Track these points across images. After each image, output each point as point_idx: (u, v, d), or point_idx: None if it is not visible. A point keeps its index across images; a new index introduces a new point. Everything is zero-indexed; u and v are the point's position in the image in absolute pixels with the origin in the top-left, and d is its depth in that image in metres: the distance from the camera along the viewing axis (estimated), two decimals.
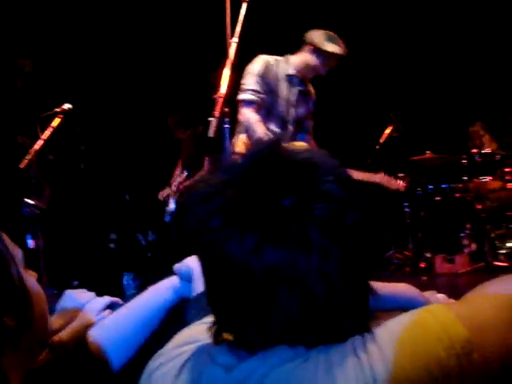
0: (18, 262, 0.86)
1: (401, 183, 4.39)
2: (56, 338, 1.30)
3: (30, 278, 0.87)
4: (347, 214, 0.71)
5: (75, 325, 1.44)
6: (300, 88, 3.45)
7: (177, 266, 1.32)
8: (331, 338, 0.73)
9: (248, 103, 3.28)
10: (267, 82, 3.33)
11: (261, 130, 3.20)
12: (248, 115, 3.25)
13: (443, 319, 0.72)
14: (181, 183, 5.11)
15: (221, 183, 0.74)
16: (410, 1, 5.48)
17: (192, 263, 1.26)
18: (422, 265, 4.88)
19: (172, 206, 5.11)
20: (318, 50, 3.30)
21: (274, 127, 3.37)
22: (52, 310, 1.20)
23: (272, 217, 0.69)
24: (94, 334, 1.26)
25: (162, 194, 5.30)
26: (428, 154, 5.08)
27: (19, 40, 5.53)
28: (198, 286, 1.20)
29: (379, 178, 3.93)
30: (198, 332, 0.85)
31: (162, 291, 1.33)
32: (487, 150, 4.93)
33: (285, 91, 3.41)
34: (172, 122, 5.43)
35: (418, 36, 5.57)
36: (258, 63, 3.33)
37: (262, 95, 3.32)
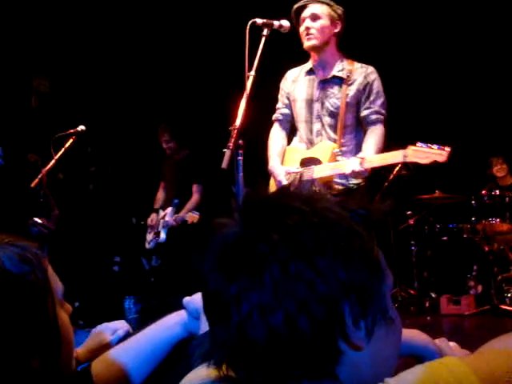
0: (57, 296, 0.84)
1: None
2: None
3: (64, 316, 0.85)
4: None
5: (90, 343, 1.45)
6: (321, 78, 3.23)
7: (186, 301, 1.32)
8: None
9: (274, 121, 3.45)
10: (288, 93, 3.38)
11: (271, 147, 3.34)
12: (271, 133, 3.42)
13: (458, 373, 0.72)
14: (163, 218, 5.03)
15: (231, 221, 0.77)
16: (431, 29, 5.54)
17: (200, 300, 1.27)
18: (427, 304, 4.84)
19: (163, 235, 5.03)
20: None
21: (304, 133, 3.29)
22: None
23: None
24: (112, 355, 1.29)
25: (150, 221, 5.17)
26: (437, 193, 5.09)
27: (35, 59, 5.61)
28: (205, 325, 1.19)
29: None
30: (208, 374, 0.85)
31: (170, 326, 1.32)
32: (497, 192, 4.93)
33: (304, 90, 3.29)
34: (165, 131, 5.15)
35: (431, 72, 5.62)
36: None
37: (284, 110, 3.41)
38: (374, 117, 3.17)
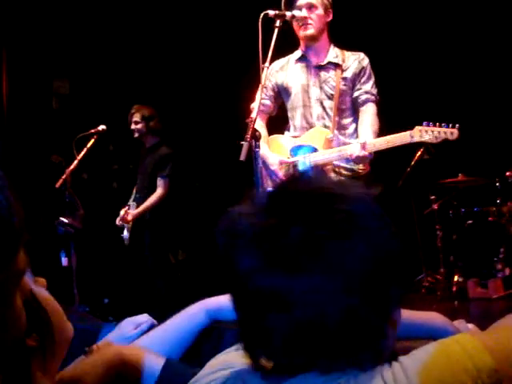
0: (27, 276, 0.85)
1: None
2: (94, 347, 1.34)
3: (41, 291, 0.86)
4: (360, 245, 0.74)
5: (113, 336, 1.49)
6: (315, 64, 3.28)
7: (212, 309, 1.36)
8: (354, 364, 0.75)
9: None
10: (274, 84, 3.37)
11: None
12: None
13: (470, 349, 0.73)
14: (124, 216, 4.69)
15: (255, 209, 0.79)
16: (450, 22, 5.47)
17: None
18: (454, 289, 4.81)
19: (125, 233, 4.73)
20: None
21: (298, 121, 3.29)
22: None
23: (279, 243, 0.74)
24: (140, 345, 1.32)
25: (119, 216, 4.79)
26: (460, 176, 5.04)
27: (55, 62, 5.69)
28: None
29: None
30: (232, 358, 0.87)
31: (194, 314, 1.35)
32: None
33: (299, 77, 3.30)
34: (137, 111, 4.76)
35: (448, 55, 5.55)
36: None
37: (265, 101, 3.37)
38: (363, 97, 3.25)
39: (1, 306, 0.64)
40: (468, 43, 5.44)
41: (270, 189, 0.85)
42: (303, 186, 0.80)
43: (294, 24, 3.17)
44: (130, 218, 4.63)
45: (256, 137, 2.40)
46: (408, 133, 2.94)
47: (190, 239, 5.85)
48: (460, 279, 4.85)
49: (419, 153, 5.06)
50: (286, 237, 0.73)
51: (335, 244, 0.73)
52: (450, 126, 2.89)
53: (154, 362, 1.13)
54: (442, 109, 5.13)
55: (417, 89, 5.51)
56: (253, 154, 2.39)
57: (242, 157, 2.33)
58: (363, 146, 2.97)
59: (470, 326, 1.16)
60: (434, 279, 5.18)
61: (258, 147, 2.40)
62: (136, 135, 4.79)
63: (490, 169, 5.21)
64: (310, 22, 3.16)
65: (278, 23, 2.70)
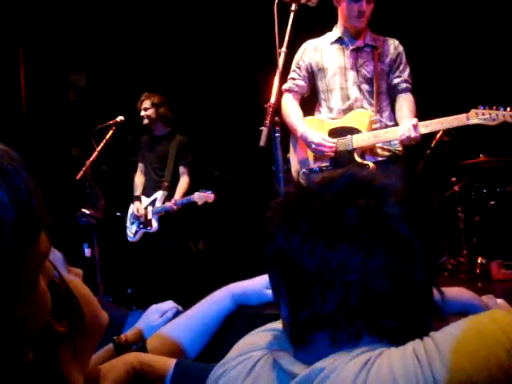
0: (59, 265, 0.86)
1: None
2: (122, 336, 1.35)
3: (74, 279, 0.87)
4: (403, 226, 0.79)
5: (139, 324, 1.50)
6: (352, 47, 3.27)
7: (237, 294, 1.38)
8: (391, 340, 0.77)
9: (285, 91, 3.38)
10: (309, 64, 3.36)
11: (292, 114, 3.28)
12: (284, 102, 3.33)
13: (502, 323, 0.73)
14: (151, 204, 4.80)
15: (309, 193, 0.83)
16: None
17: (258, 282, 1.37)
18: (478, 271, 4.77)
19: (155, 224, 4.82)
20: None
21: (336, 103, 3.28)
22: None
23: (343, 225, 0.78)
24: (165, 332, 1.35)
25: (136, 210, 4.89)
26: (481, 157, 4.98)
27: (72, 55, 5.72)
28: None
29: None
30: (260, 339, 0.88)
31: (219, 300, 1.36)
32: None
33: (335, 59, 3.29)
34: (148, 98, 4.82)
35: (467, 42, 5.47)
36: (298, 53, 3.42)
37: (299, 82, 3.39)
38: (404, 85, 3.28)
39: (26, 289, 0.65)
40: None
41: (314, 167, 0.94)
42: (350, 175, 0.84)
43: (342, 7, 3.19)
44: (176, 207, 4.69)
45: (275, 122, 2.39)
46: (464, 115, 2.96)
47: (210, 229, 5.88)
48: (483, 261, 4.80)
49: (439, 135, 5.02)
50: (345, 216, 0.78)
51: (385, 224, 0.78)
52: (508, 109, 2.91)
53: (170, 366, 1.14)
54: (463, 87, 5.08)
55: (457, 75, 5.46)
56: (273, 139, 2.39)
57: (262, 142, 2.32)
58: (415, 127, 2.96)
59: (500, 301, 1.15)
60: (456, 261, 5.13)
61: (278, 132, 2.40)
62: (145, 122, 4.82)
63: (511, 149, 5.14)
64: (366, 15, 3.18)
65: (293, 7, 2.68)
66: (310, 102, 3.46)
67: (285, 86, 3.35)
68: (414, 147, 4.99)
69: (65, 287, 0.80)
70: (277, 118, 2.39)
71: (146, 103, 4.79)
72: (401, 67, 3.28)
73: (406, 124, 3.02)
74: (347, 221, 0.77)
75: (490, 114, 2.90)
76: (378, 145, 3.20)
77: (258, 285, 1.37)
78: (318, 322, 0.78)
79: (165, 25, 5.81)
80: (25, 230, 0.62)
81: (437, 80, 5.37)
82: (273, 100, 2.43)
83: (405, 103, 3.23)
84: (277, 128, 2.39)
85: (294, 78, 3.39)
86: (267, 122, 2.38)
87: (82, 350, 0.83)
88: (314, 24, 3.30)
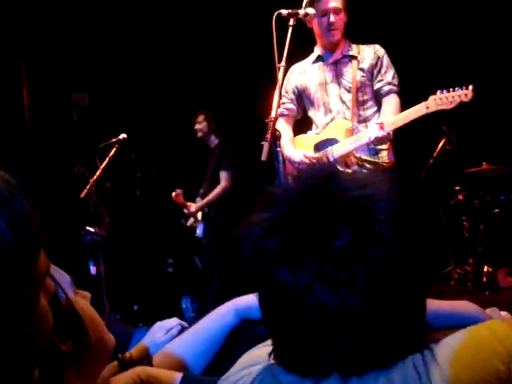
0: (66, 286, 0.87)
1: None
2: (127, 354, 1.36)
3: (81, 301, 0.88)
4: (396, 254, 0.72)
5: (145, 342, 1.51)
6: (331, 61, 3.27)
7: (242, 309, 1.36)
8: (387, 364, 0.74)
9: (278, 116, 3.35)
10: (295, 87, 3.39)
11: (283, 136, 3.15)
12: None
13: (500, 333, 0.73)
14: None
15: (273, 224, 0.76)
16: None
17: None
18: (484, 279, 4.75)
19: (199, 231, 5.10)
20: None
21: (320, 119, 3.29)
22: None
23: (321, 259, 0.71)
24: (170, 349, 1.34)
25: (190, 223, 5.24)
26: (484, 165, 4.98)
27: (74, 73, 5.76)
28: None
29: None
30: (261, 354, 0.88)
31: (223, 314, 1.36)
32: None
33: (316, 76, 3.30)
34: (201, 113, 5.20)
35: (469, 43, 5.49)
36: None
37: (289, 105, 3.41)
38: (386, 88, 3.23)
39: (27, 307, 0.66)
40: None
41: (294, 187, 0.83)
42: (333, 190, 0.77)
43: (314, 24, 3.17)
44: (193, 209, 5.02)
45: (276, 136, 2.40)
46: (423, 104, 2.91)
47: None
48: (489, 269, 4.78)
49: (441, 144, 5.03)
50: (333, 252, 0.72)
51: (376, 255, 0.72)
52: (464, 87, 2.85)
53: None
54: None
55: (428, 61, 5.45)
56: (274, 153, 2.40)
57: (264, 157, 2.33)
58: (381, 127, 2.94)
59: (503, 313, 1.15)
60: (462, 271, 5.12)
61: (279, 146, 2.41)
62: (199, 135, 5.21)
63: None
64: (336, 27, 3.17)
65: (291, 22, 2.70)
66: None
67: (278, 112, 3.37)
68: (416, 157, 5.03)
69: (70, 308, 0.81)
70: (277, 133, 2.41)
71: (200, 118, 5.19)
72: (382, 70, 3.23)
73: (373, 126, 3.02)
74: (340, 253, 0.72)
75: (446, 97, 2.84)
76: (363, 157, 3.18)
77: None
78: (324, 366, 0.75)
79: (166, 43, 5.86)
80: (24, 253, 0.63)
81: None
82: (273, 114, 2.45)
83: (386, 106, 3.20)
84: (278, 142, 2.41)
85: (284, 103, 3.40)
86: (268, 136, 2.39)
87: (87, 370, 0.83)
88: (312, 38, 3.32)
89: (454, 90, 2.83)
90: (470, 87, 2.83)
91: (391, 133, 2.98)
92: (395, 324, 0.74)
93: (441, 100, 2.85)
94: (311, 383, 0.75)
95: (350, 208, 0.74)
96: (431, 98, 2.87)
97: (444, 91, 2.86)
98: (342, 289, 0.71)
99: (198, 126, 5.20)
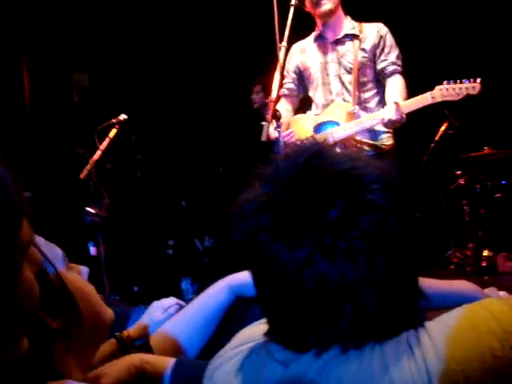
0: (57, 261, 0.86)
1: None
2: (125, 333, 1.36)
3: (73, 275, 0.86)
4: (391, 222, 0.73)
5: (142, 322, 1.51)
6: (332, 40, 3.23)
7: (235, 285, 1.36)
8: (383, 337, 0.74)
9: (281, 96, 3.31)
10: (295, 66, 3.36)
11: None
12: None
13: (495, 311, 0.73)
14: None
15: (267, 199, 0.76)
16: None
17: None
18: (484, 264, 4.75)
19: None
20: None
21: (320, 99, 3.26)
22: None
23: (319, 230, 0.71)
24: (167, 329, 1.34)
25: None
26: (486, 149, 4.96)
27: (74, 54, 5.72)
28: None
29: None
30: (255, 332, 0.87)
31: (216, 293, 1.36)
32: None
33: (317, 55, 3.27)
34: (258, 82, 5.02)
35: (473, 28, 5.44)
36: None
37: (289, 85, 3.38)
38: (391, 68, 3.15)
39: (10, 278, 0.65)
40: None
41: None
42: (325, 163, 0.77)
43: (308, 4, 3.11)
44: None
45: (277, 117, 2.39)
46: (428, 94, 2.88)
47: (215, 226, 5.88)
48: (489, 254, 4.79)
49: (443, 128, 5.00)
50: (329, 221, 0.71)
51: (372, 222, 0.72)
52: (472, 80, 2.82)
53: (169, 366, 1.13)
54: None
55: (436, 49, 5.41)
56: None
57: (264, 137, 2.33)
58: (397, 107, 2.88)
59: (502, 293, 1.15)
60: (462, 255, 5.12)
61: (279, 127, 2.40)
62: (255, 106, 5.09)
63: None
64: None
65: (293, 1, 2.68)
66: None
67: (280, 92, 3.34)
68: (418, 141, 5.00)
69: (60, 283, 0.80)
70: (278, 113, 2.40)
71: (257, 87, 5.05)
72: (386, 50, 3.16)
73: (387, 107, 2.96)
74: (331, 224, 0.71)
75: (453, 89, 2.81)
76: (363, 140, 3.14)
77: None
78: (325, 340, 0.75)
79: (166, 22, 5.81)
80: (4, 224, 0.62)
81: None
82: (274, 95, 2.44)
83: (393, 87, 3.12)
84: (278, 123, 2.40)
85: (285, 83, 3.38)
86: (268, 116, 2.38)
87: (80, 347, 0.82)
88: (314, 18, 3.29)
89: (461, 82, 2.81)
90: (478, 80, 2.81)
91: (405, 116, 2.94)
92: (393, 296, 0.74)
93: (447, 91, 2.83)
94: (311, 357, 0.75)
95: (342, 179, 0.74)
96: (437, 88, 2.84)
97: (451, 82, 2.83)
98: (341, 259, 0.71)
99: (254, 97, 5.07)
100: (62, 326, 0.77)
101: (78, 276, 0.89)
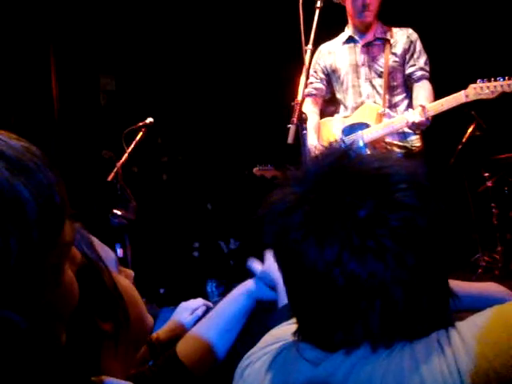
0: (111, 265, 0.88)
1: None
2: (154, 335, 1.38)
3: (124, 280, 0.89)
4: (420, 221, 0.73)
5: (171, 324, 1.52)
6: (363, 43, 3.24)
7: (261, 271, 1.36)
8: (413, 336, 0.74)
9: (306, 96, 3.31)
10: (324, 66, 3.36)
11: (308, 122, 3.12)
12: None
13: None
14: None
15: (297, 198, 0.77)
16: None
17: (276, 271, 1.29)
18: None
19: None
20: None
21: (349, 101, 3.26)
22: None
23: (349, 229, 0.72)
24: (197, 330, 1.35)
25: None
26: None
27: (101, 59, 5.79)
28: (283, 297, 1.22)
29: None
30: (284, 332, 0.88)
31: (236, 298, 1.37)
32: None
33: (347, 58, 3.27)
34: None
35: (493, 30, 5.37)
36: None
37: (317, 85, 3.38)
38: (419, 73, 3.18)
39: (52, 276, 0.67)
40: None
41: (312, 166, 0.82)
42: (353, 164, 0.78)
43: (347, 3, 3.14)
44: None
45: (302, 119, 2.39)
46: (462, 92, 2.86)
47: (240, 228, 5.90)
48: None
49: (471, 129, 4.95)
50: (358, 220, 0.72)
51: (400, 220, 0.72)
52: (507, 78, 2.79)
53: None
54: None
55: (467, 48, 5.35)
56: (300, 136, 2.39)
57: (290, 140, 2.33)
58: (423, 111, 2.88)
59: None
60: (490, 258, 5.05)
61: (306, 129, 2.40)
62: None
63: None
64: (371, 9, 3.14)
65: (318, 4, 2.68)
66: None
67: (305, 92, 3.34)
68: (445, 142, 4.95)
69: (113, 287, 0.83)
70: (304, 115, 2.40)
71: None
72: (415, 55, 3.19)
73: (412, 110, 2.96)
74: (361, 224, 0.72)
75: (487, 87, 2.78)
76: (393, 141, 3.15)
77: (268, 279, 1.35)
78: (354, 338, 0.75)
79: (192, 26, 5.85)
80: (49, 223, 0.65)
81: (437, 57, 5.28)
82: (300, 97, 2.44)
83: (420, 92, 3.15)
84: (304, 125, 2.40)
85: (312, 82, 3.40)
86: (294, 119, 2.38)
87: (125, 351, 0.84)
88: (340, 20, 3.29)
89: (495, 80, 2.78)
90: None
91: (430, 118, 2.94)
92: (422, 294, 0.74)
93: (481, 89, 2.81)
94: (341, 356, 0.75)
95: (371, 178, 0.74)
96: (471, 86, 2.82)
97: (485, 80, 2.80)
98: (371, 258, 0.71)
99: None
100: (111, 330, 0.79)
101: (127, 280, 0.91)
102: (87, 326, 0.76)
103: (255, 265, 1.39)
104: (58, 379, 0.70)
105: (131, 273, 0.92)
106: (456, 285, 0.82)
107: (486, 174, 5.07)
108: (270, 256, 1.33)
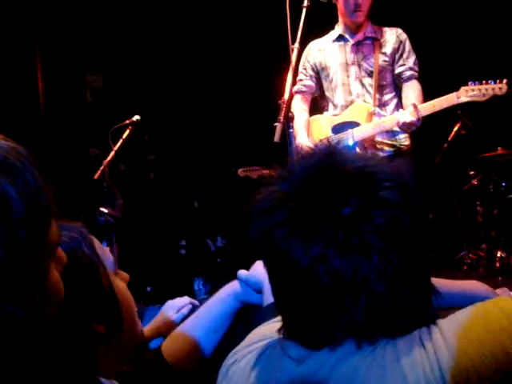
0: (109, 267, 0.88)
1: None
2: None
3: (120, 283, 0.89)
4: (404, 218, 0.74)
5: (157, 321, 1.52)
6: (353, 42, 3.25)
7: (244, 276, 1.36)
8: (396, 333, 0.75)
9: (295, 93, 3.33)
10: (313, 64, 3.38)
11: (295, 121, 3.05)
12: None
13: (507, 309, 0.73)
14: None
15: (283, 195, 0.78)
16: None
17: (262, 274, 1.30)
18: (497, 265, 4.73)
19: None
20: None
21: (339, 100, 3.27)
22: None
23: (334, 226, 0.73)
24: (183, 329, 1.35)
25: None
26: (500, 150, 4.93)
27: (88, 55, 5.76)
28: (268, 297, 1.22)
29: None
30: (270, 330, 0.89)
31: (223, 299, 1.37)
32: None
33: (337, 56, 3.29)
34: None
35: (480, 30, 5.42)
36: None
37: (307, 82, 3.39)
38: (408, 73, 3.20)
39: (38, 276, 0.68)
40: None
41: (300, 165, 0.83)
42: (338, 162, 0.79)
43: (339, 2, 3.15)
44: None
45: (289, 118, 2.40)
46: (454, 94, 2.89)
47: (228, 227, 5.90)
48: (503, 254, 4.76)
49: (456, 128, 4.98)
50: (344, 217, 0.73)
51: (385, 217, 0.73)
52: (498, 81, 2.82)
53: None
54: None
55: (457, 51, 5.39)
56: (287, 135, 2.40)
57: (277, 138, 2.34)
58: (415, 110, 2.90)
59: None
60: (476, 256, 5.09)
61: (292, 128, 2.41)
62: None
63: None
64: (362, 9, 3.15)
65: (305, 2, 2.69)
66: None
67: (294, 88, 3.32)
68: (431, 141, 4.98)
69: (109, 288, 0.84)
70: (290, 114, 2.41)
71: None
72: (404, 55, 3.21)
73: (403, 110, 2.99)
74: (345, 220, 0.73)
75: (479, 89, 2.80)
76: (383, 140, 3.17)
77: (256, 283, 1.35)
78: (338, 335, 0.76)
79: (179, 24, 5.84)
80: (35, 223, 0.65)
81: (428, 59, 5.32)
82: (286, 96, 2.45)
83: (410, 91, 3.17)
84: (291, 124, 2.41)
85: (301, 79, 3.42)
86: (281, 117, 2.39)
87: (116, 353, 0.85)
88: (326, 20, 3.30)
89: (487, 83, 2.81)
90: (505, 81, 2.81)
91: (421, 119, 2.96)
92: (406, 290, 0.75)
93: (473, 91, 2.83)
94: (325, 354, 0.76)
95: (356, 177, 0.76)
96: (463, 88, 2.85)
97: (476, 83, 2.83)
98: (355, 254, 0.72)
99: None
100: (105, 331, 0.80)
101: (123, 283, 0.92)
102: (81, 327, 0.76)
103: (242, 272, 1.39)
104: (54, 378, 0.70)
105: (127, 276, 0.93)
106: (438, 283, 0.83)
107: (472, 173, 5.12)
108: (258, 263, 1.33)
